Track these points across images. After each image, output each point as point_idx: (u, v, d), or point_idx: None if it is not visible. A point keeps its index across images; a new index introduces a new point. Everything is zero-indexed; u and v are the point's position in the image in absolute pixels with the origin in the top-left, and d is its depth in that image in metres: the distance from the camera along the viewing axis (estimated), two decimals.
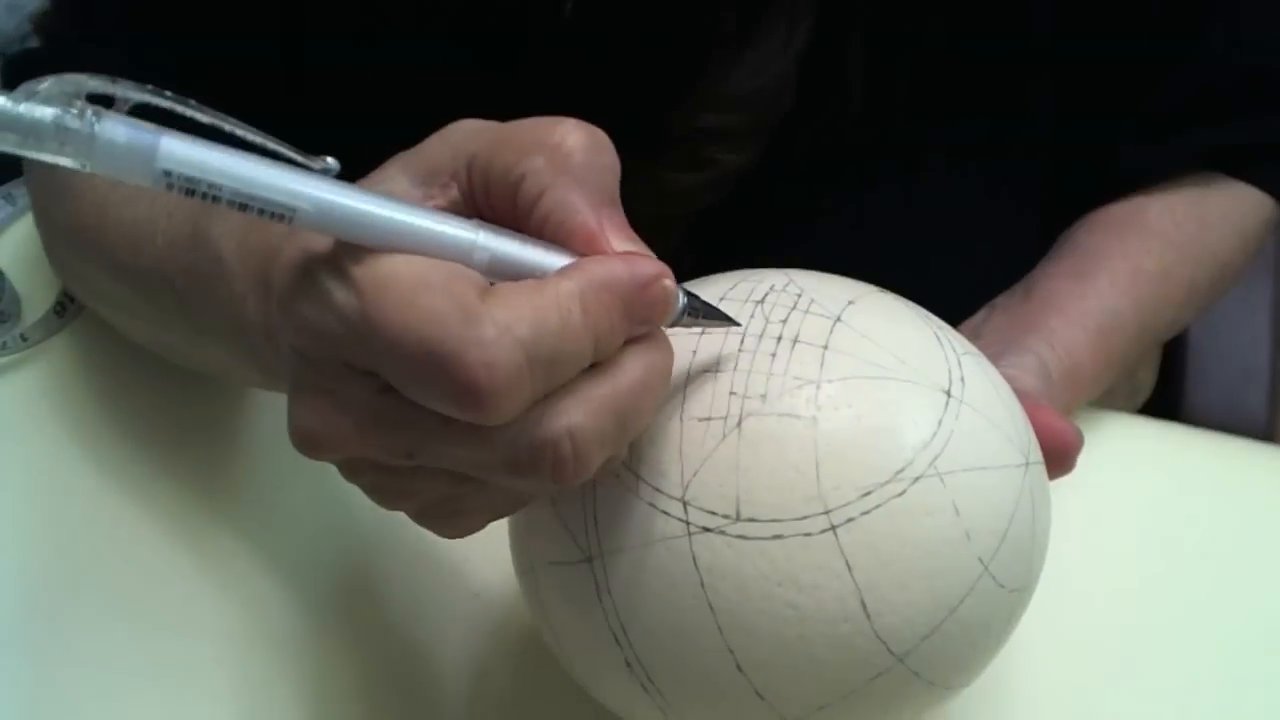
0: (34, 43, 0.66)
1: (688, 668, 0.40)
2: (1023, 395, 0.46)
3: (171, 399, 0.63)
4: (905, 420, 0.40)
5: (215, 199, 0.32)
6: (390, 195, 0.35)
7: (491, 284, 0.35)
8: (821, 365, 0.40)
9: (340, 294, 0.34)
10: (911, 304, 0.44)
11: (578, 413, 0.35)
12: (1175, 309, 0.65)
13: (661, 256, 0.38)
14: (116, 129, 0.31)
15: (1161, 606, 0.57)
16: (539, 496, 0.40)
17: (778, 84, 0.59)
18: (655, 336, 0.37)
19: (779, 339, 0.41)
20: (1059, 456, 0.47)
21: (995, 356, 0.52)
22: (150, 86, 0.34)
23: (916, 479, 0.39)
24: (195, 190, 0.32)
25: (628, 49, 0.59)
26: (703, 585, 0.39)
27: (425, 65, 0.59)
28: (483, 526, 0.40)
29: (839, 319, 0.41)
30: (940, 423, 0.40)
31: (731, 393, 0.40)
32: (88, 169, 0.31)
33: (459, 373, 0.33)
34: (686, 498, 0.39)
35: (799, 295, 0.42)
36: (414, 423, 0.35)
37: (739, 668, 0.39)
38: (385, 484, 0.38)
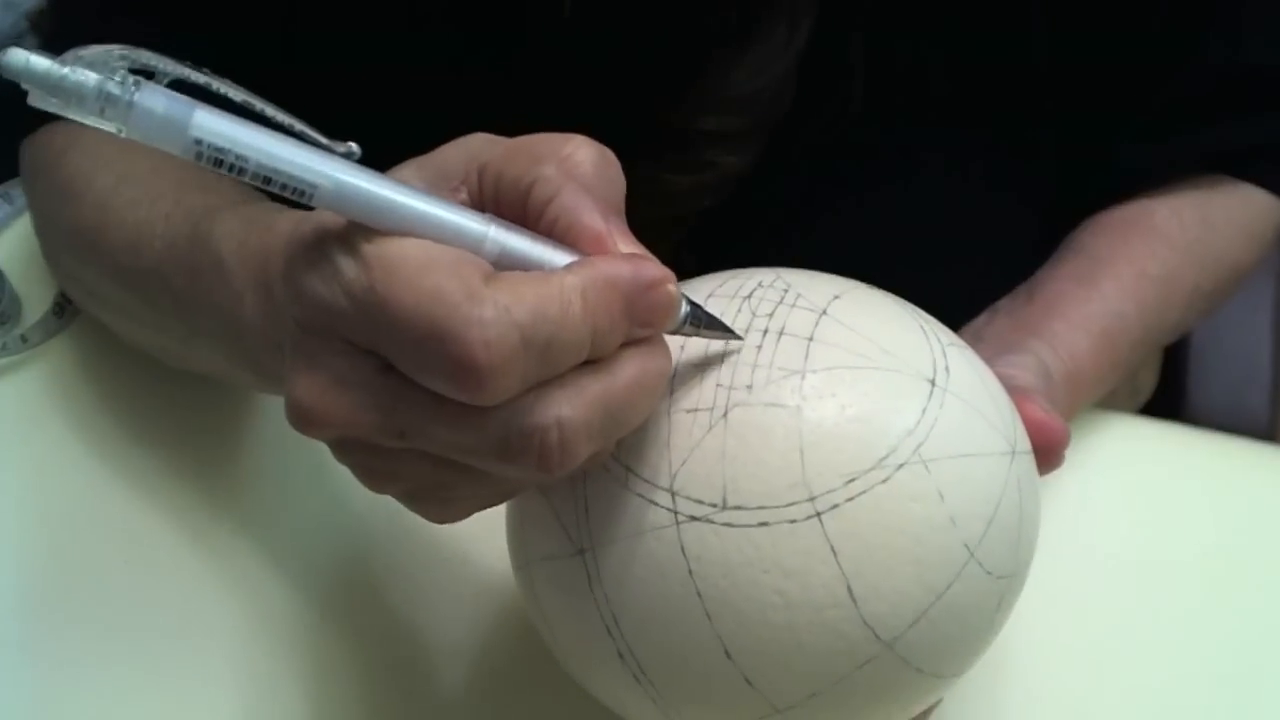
0: (30, 41, 0.67)
1: (678, 657, 0.40)
2: (1012, 390, 0.46)
3: (171, 400, 0.64)
4: (889, 408, 0.40)
5: (241, 170, 0.34)
6: (408, 184, 0.36)
7: None
8: (806, 356, 0.40)
9: (350, 270, 0.35)
10: (897, 298, 0.45)
11: (568, 404, 0.35)
12: (1180, 312, 0.65)
13: (662, 258, 0.38)
14: (155, 99, 0.33)
15: (1162, 606, 0.57)
16: (525, 487, 0.41)
17: (778, 85, 0.59)
18: (655, 341, 0.38)
19: (765, 332, 0.41)
20: (1046, 450, 0.47)
21: (996, 357, 0.52)
22: (189, 63, 0.35)
23: (901, 466, 0.39)
24: (223, 161, 0.34)
25: (627, 50, 0.59)
26: (691, 574, 0.39)
27: (424, 65, 0.59)
28: (469, 514, 0.41)
29: (824, 312, 0.42)
30: (924, 411, 0.40)
31: (718, 384, 0.40)
32: (124, 134, 0.33)
33: (458, 349, 0.34)
34: (674, 488, 0.40)
35: (785, 290, 0.43)
36: (409, 403, 0.36)
37: (728, 655, 0.39)
38: (375, 465, 0.39)
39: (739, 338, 0.41)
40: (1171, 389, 0.82)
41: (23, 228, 0.71)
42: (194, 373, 0.59)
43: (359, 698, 0.55)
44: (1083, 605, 0.56)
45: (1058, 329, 0.58)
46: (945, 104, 0.62)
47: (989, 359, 0.46)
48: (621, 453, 0.41)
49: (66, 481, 0.62)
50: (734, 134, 0.60)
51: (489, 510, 0.46)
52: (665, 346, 0.38)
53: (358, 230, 0.35)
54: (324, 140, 0.36)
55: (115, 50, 0.33)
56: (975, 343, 0.49)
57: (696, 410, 0.40)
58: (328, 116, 0.37)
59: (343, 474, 0.40)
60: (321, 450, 0.39)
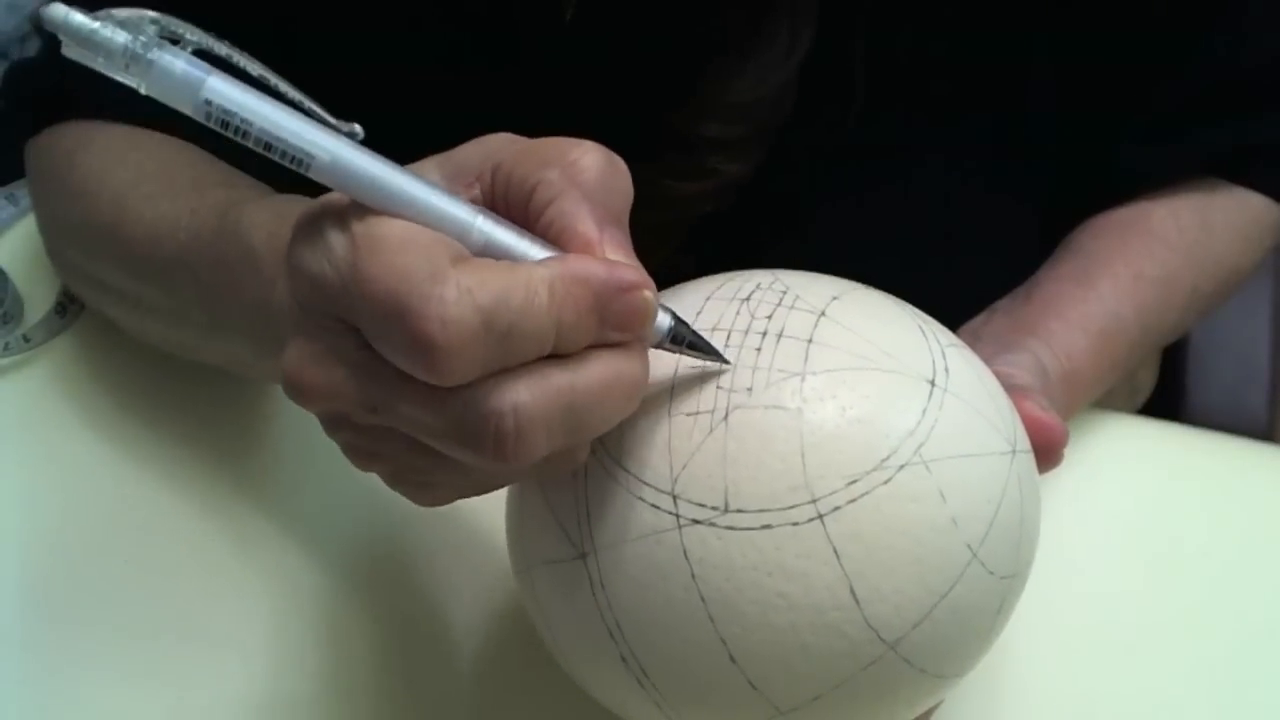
0: (34, 42, 0.67)
1: (681, 660, 0.40)
2: (1011, 389, 0.46)
3: (173, 397, 0.64)
4: (889, 409, 0.40)
5: (245, 135, 0.36)
6: (403, 168, 0.37)
7: None
8: (806, 358, 0.40)
9: (339, 246, 0.36)
10: (896, 299, 0.45)
11: (526, 392, 0.36)
12: (1178, 313, 0.65)
13: (662, 261, 0.39)
14: (174, 61, 0.35)
15: (1162, 606, 0.57)
16: (494, 479, 0.41)
17: (779, 92, 0.59)
18: (631, 348, 0.38)
19: (764, 334, 0.41)
20: (1045, 449, 0.47)
21: (992, 357, 0.52)
22: (213, 34, 0.37)
23: (902, 467, 0.39)
24: (229, 124, 0.35)
25: (628, 56, 0.59)
26: (694, 577, 0.39)
27: (426, 68, 0.59)
28: (451, 501, 0.41)
29: (823, 314, 0.42)
30: (924, 411, 0.40)
31: (718, 387, 0.41)
32: (143, 89, 0.35)
33: (416, 325, 0.34)
34: (676, 491, 0.40)
35: (784, 292, 0.43)
36: (380, 378, 0.36)
37: (731, 658, 0.39)
38: (357, 443, 0.40)
39: (726, 361, 0.41)
40: (1170, 389, 0.82)
41: (25, 228, 0.71)
42: (206, 365, 0.59)
43: (365, 694, 0.55)
44: (1082, 605, 0.56)
45: (1055, 329, 0.58)
46: (945, 105, 0.63)
47: (987, 358, 0.46)
48: (622, 456, 0.41)
49: (69, 480, 0.62)
50: (735, 141, 0.60)
51: (490, 511, 0.46)
52: (643, 355, 0.38)
53: (353, 210, 0.36)
54: (330, 118, 0.37)
55: (147, 14, 0.35)
56: (973, 342, 0.49)
57: (697, 413, 0.40)
58: (335, 117, 0.38)
59: (349, 472, 0.40)
60: (322, 450, 0.40)
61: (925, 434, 0.40)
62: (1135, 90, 0.65)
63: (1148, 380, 0.80)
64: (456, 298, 0.34)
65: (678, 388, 0.41)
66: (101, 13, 0.35)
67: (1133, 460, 0.62)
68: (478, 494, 0.41)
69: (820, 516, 0.39)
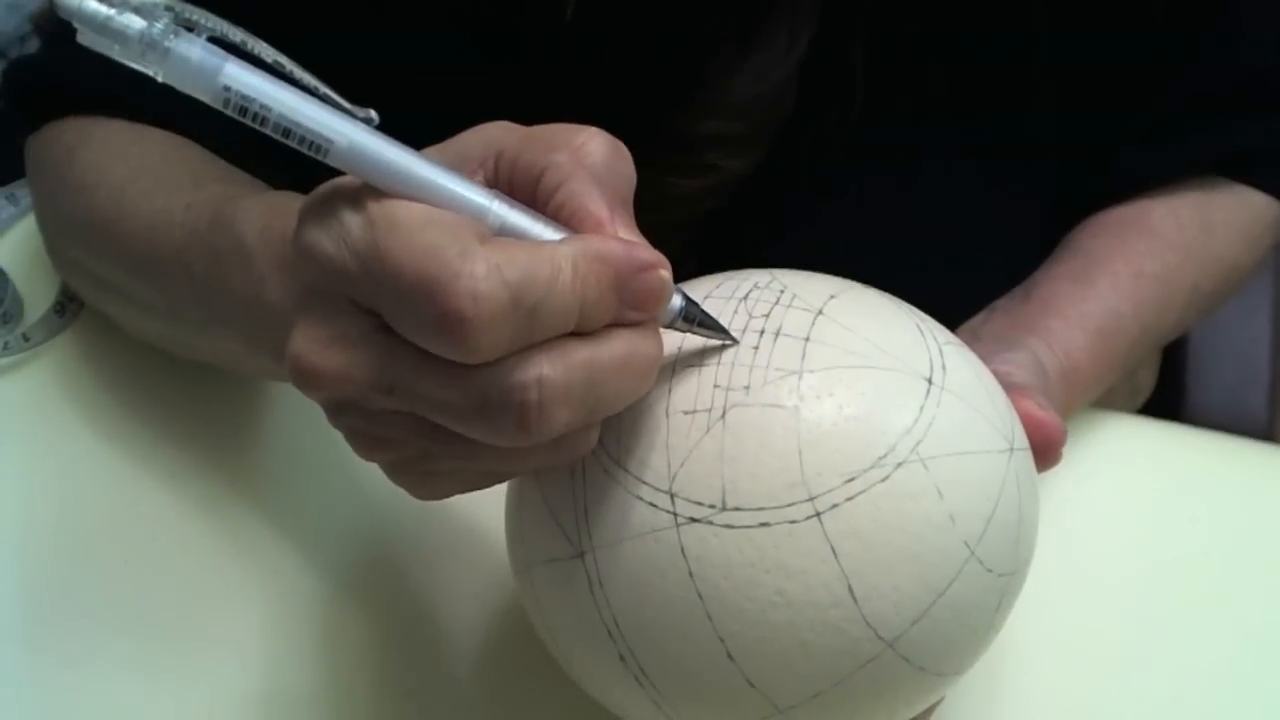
0: (34, 42, 0.68)
1: (679, 659, 0.40)
2: (1009, 387, 0.46)
3: (173, 397, 0.64)
4: (887, 407, 0.40)
5: (264, 120, 0.36)
6: (420, 153, 0.37)
7: None
8: (803, 356, 0.41)
9: (356, 227, 0.36)
10: (893, 298, 0.45)
11: (549, 366, 0.36)
12: (1177, 312, 0.65)
13: None
14: (191, 48, 0.35)
15: (1162, 606, 0.57)
16: (506, 466, 0.41)
17: (779, 91, 0.59)
18: (647, 327, 0.38)
19: (761, 332, 0.41)
20: (1043, 448, 0.47)
21: (991, 355, 0.52)
22: (227, 21, 0.37)
23: (899, 464, 0.39)
24: (248, 110, 0.36)
25: (628, 54, 0.59)
26: (691, 575, 0.39)
27: (426, 67, 0.60)
28: (452, 493, 0.41)
29: (820, 312, 0.42)
30: (922, 409, 0.40)
31: (715, 385, 0.41)
32: (160, 77, 0.35)
33: (447, 301, 0.34)
34: (673, 489, 0.40)
35: (782, 291, 0.43)
36: (400, 358, 0.36)
37: (730, 656, 0.39)
38: (365, 429, 0.40)
39: (734, 339, 0.41)
40: (1170, 389, 0.82)
41: (25, 228, 0.72)
42: (203, 363, 0.59)
43: (363, 695, 0.55)
44: (1082, 605, 0.56)
45: (1054, 327, 0.58)
46: (945, 104, 0.63)
47: (986, 357, 0.46)
48: (620, 455, 0.41)
49: (69, 479, 0.62)
50: (735, 138, 0.60)
51: (489, 510, 0.46)
52: (658, 334, 0.39)
53: (366, 191, 0.37)
54: (346, 104, 0.37)
55: (161, 1, 0.35)
56: (972, 341, 0.49)
57: (694, 412, 0.40)
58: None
59: (349, 471, 0.40)
60: (326, 447, 0.40)
61: (922, 432, 0.40)
62: (1135, 90, 0.65)
63: (1148, 380, 0.80)
64: (485, 273, 0.35)
65: (675, 386, 0.41)
66: (117, 1, 0.35)
67: (1133, 460, 0.62)
68: (479, 487, 0.41)
69: (818, 514, 0.39)
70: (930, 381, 0.41)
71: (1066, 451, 0.48)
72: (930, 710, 0.47)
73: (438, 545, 0.58)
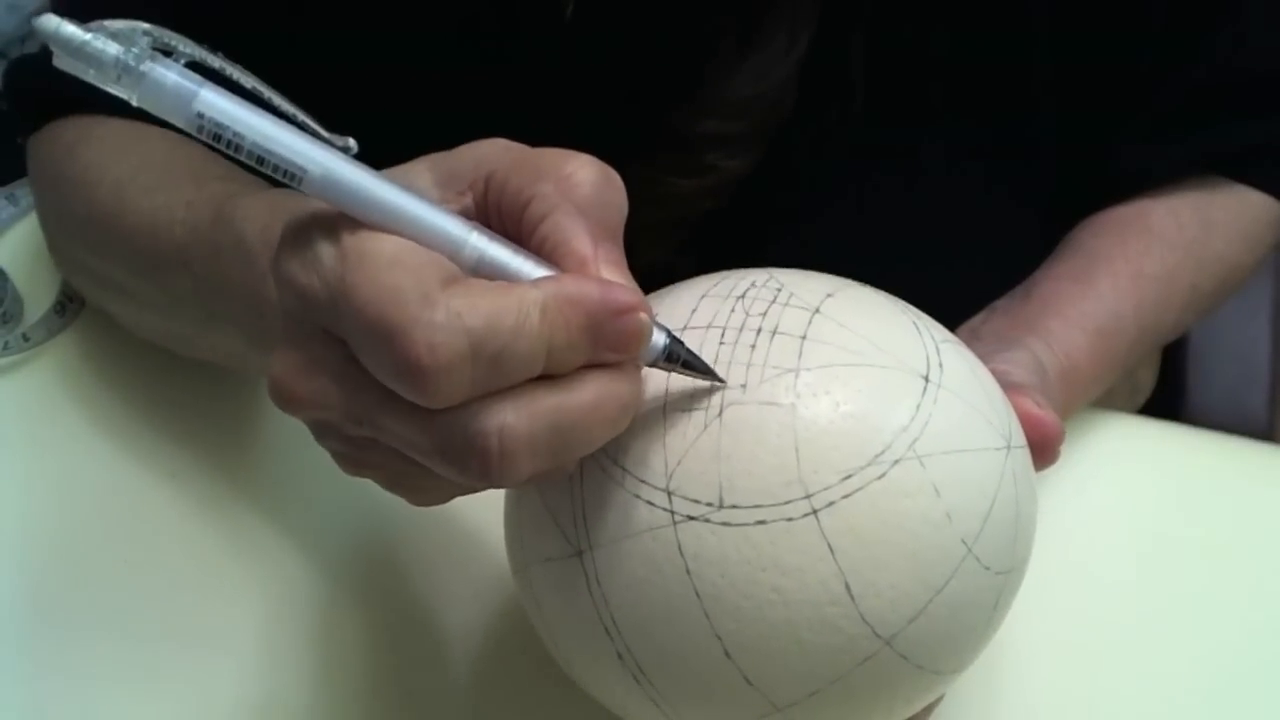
0: (34, 42, 0.68)
1: (677, 657, 0.40)
2: (1007, 386, 0.46)
3: (174, 397, 0.64)
4: (883, 405, 0.40)
5: (238, 148, 0.36)
6: (396, 182, 0.37)
7: None
8: (800, 354, 0.41)
9: (328, 258, 0.36)
10: (890, 296, 0.45)
11: (513, 414, 0.36)
12: (1177, 312, 0.65)
13: (663, 260, 0.38)
14: (166, 74, 0.35)
15: (1162, 606, 0.57)
16: (478, 488, 0.41)
17: (778, 90, 0.59)
18: (624, 368, 0.38)
19: (758, 331, 0.41)
20: (1040, 446, 0.47)
21: (991, 354, 0.52)
22: (206, 46, 0.37)
23: (896, 462, 0.39)
24: (221, 137, 0.36)
25: (627, 54, 0.59)
26: (689, 573, 0.39)
27: (426, 67, 0.60)
28: (447, 500, 0.41)
29: (817, 311, 0.42)
30: (918, 407, 0.40)
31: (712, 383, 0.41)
32: (135, 101, 0.35)
33: (403, 348, 0.34)
34: (671, 487, 0.40)
35: (779, 289, 0.43)
36: (366, 392, 0.36)
37: (727, 654, 0.39)
38: (345, 452, 0.40)
39: (721, 380, 0.41)
40: (1171, 389, 0.82)
41: (25, 228, 0.72)
42: (204, 361, 0.59)
43: (362, 695, 0.55)
44: (1082, 605, 0.56)
45: (1053, 326, 0.58)
46: (945, 104, 0.63)
47: (985, 356, 0.46)
48: (618, 453, 0.41)
49: (69, 479, 0.62)
50: (735, 138, 0.60)
51: (487, 510, 0.46)
52: (635, 375, 0.38)
53: (344, 222, 0.36)
54: (324, 132, 0.37)
55: (140, 26, 0.35)
56: (972, 340, 0.49)
57: (691, 409, 0.40)
58: (329, 115, 0.38)
59: (340, 475, 0.41)
60: (320, 450, 0.40)
61: (919, 429, 0.40)
62: (1136, 90, 0.65)
63: (1148, 380, 0.80)
64: (445, 321, 0.34)
65: (673, 384, 0.41)
66: (94, 24, 0.35)
67: (1133, 460, 0.62)
68: (474, 492, 0.41)
69: (815, 512, 0.39)
70: (927, 379, 0.41)
71: (1066, 451, 0.48)
72: (930, 709, 0.47)
73: (437, 544, 0.58)
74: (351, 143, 0.37)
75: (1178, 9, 0.63)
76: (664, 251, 0.39)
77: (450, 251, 0.36)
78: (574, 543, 0.42)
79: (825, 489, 0.39)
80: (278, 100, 0.37)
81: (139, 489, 0.61)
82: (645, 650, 0.41)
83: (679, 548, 0.39)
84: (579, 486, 0.42)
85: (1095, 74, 0.64)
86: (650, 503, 0.40)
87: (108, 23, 0.35)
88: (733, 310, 0.42)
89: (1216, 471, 0.63)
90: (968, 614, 0.41)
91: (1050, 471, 0.48)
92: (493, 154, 0.39)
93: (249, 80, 0.38)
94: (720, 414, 0.40)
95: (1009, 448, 0.42)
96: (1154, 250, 0.64)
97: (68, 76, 0.36)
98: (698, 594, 0.39)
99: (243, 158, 0.36)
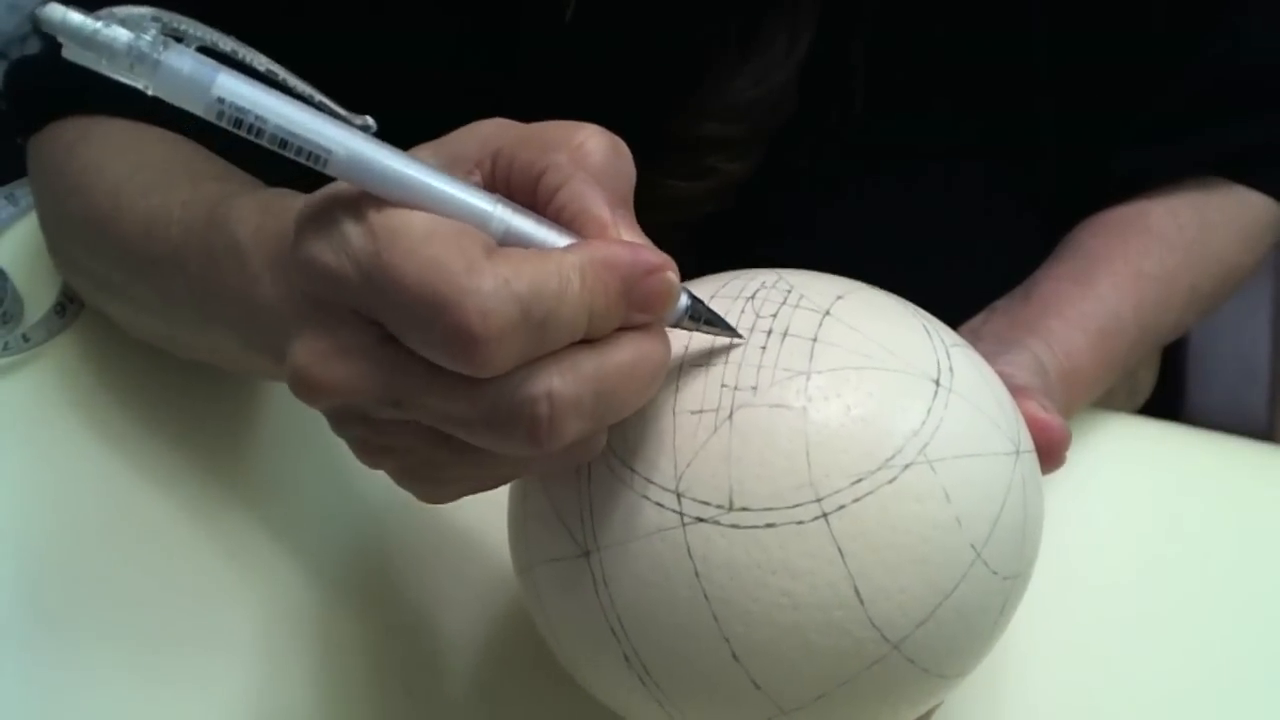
0: (34, 42, 0.67)
1: (684, 659, 0.40)
2: (1013, 390, 0.46)
3: (174, 397, 0.64)
4: (894, 409, 0.40)
5: (260, 132, 0.35)
6: (420, 160, 0.37)
7: None
8: (811, 357, 0.40)
9: (357, 238, 0.36)
10: (900, 299, 0.45)
11: (560, 378, 0.36)
12: (1177, 312, 0.65)
13: None
14: (182, 59, 0.35)
15: (1162, 606, 0.57)
16: (515, 470, 0.41)
17: (779, 93, 0.59)
18: (653, 329, 0.38)
19: (769, 332, 0.41)
20: (1046, 450, 0.47)
21: (993, 356, 0.52)
22: (217, 29, 0.36)
23: (906, 466, 0.39)
24: (243, 122, 0.35)
25: (628, 56, 0.59)
26: (697, 575, 0.39)
27: (426, 68, 0.59)
28: (460, 496, 0.41)
29: (828, 313, 0.42)
30: (929, 411, 0.40)
31: (723, 385, 0.40)
32: (150, 90, 0.35)
33: (456, 318, 0.34)
34: (680, 489, 0.40)
35: (789, 291, 0.43)
36: (406, 371, 0.36)
37: (735, 657, 0.39)
38: (370, 439, 0.39)
39: (739, 336, 0.41)
40: (1171, 389, 0.82)
41: (25, 228, 0.71)
42: (203, 364, 0.59)
43: (362, 697, 0.55)
44: (1082, 605, 0.56)
45: (1054, 327, 0.58)
46: (945, 105, 0.63)
47: (987, 357, 0.46)
48: (626, 454, 0.41)
49: (69, 479, 0.62)
50: (736, 140, 0.60)
51: (493, 508, 0.46)
52: (664, 336, 0.39)
53: (366, 200, 0.36)
54: (342, 111, 0.37)
55: (148, 11, 0.34)
56: (973, 341, 0.49)
57: (701, 411, 0.40)
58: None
59: (347, 471, 0.40)
60: (326, 446, 0.39)
61: (930, 433, 0.40)
62: (1135, 90, 0.65)
63: (1148, 380, 0.80)
64: (494, 289, 0.34)
65: (682, 386, 0.41)
66: (103, 11, 0.34)
67: (1133, 460, 0.62)
68: (492, 487, 0.41)
69: (825, 515, 0.39)
70: (937, 383, 0.41)
71: (1066, 451, 0.48)
72: (930, 712, 0.47)
73: (437, 544, 0.58)
74: (370, 121, 0.37)
75: (1177, 10, 0.63)
76: (666, 252, 0.39)
77: (478, 224, 0.36)
78: (580, 543, 0.41)
79: (836, 492, 0.39)
80: (293, 81, 0.37)
81: (138, 490, 0.61)
82: (652, 652, 0.41)
83: (688, 550, 0.39)
84: (586, 486, 0.42)
85: (1095, 74, 0.64)
86: (659, 504, 0.40)
87: (116, 9, 0.34)
88: (742, 311, 0.42)
89: (1216, 471, 0.63)
90: (975, 618, 0.41)
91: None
92: (496, 132, 0.40)
93: (263, 62, 0.37)
94: (730, 416, 0.40)
95: (1018, 452, 0.42)
96: (1153, 251, 0.64)
97: (68, 77, 0.35)
98: (706, 596, 0.39)
99: (264, 142, 0.35)
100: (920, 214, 0.65)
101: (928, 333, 0.43)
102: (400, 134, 0.41)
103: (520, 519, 0.45)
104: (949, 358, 0.42)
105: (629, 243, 0.37)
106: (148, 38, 0.34)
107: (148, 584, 0.58)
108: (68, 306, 0.68)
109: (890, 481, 0.39)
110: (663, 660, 0.41)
